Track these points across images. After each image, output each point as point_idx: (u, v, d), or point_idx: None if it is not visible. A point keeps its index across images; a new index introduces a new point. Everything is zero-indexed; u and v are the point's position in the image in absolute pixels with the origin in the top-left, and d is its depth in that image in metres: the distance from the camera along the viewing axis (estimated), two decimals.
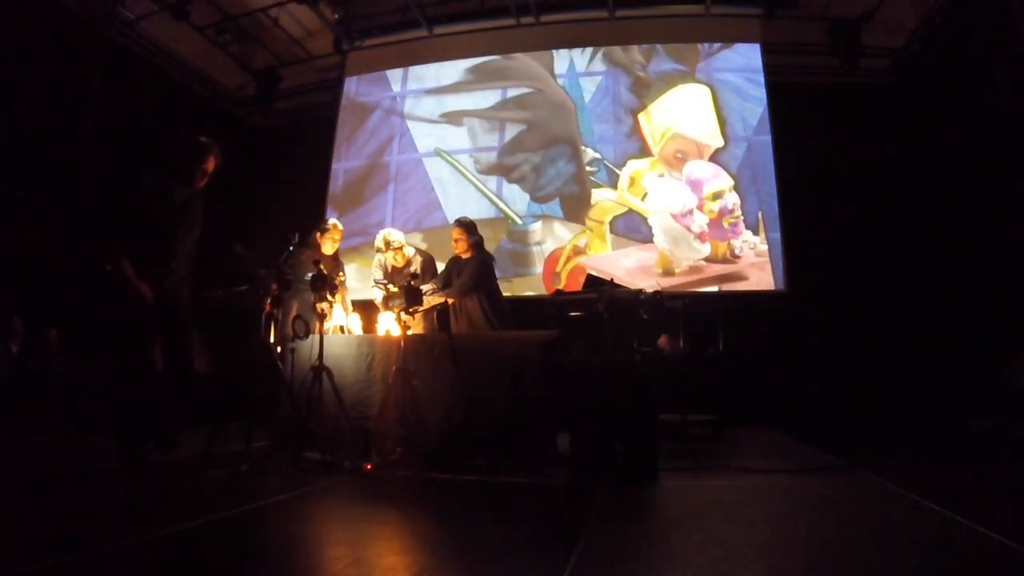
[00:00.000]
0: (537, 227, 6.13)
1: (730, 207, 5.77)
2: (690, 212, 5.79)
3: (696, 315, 4.35)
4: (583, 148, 6.20)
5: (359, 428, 3.27)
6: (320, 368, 3.20)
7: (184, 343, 2.97)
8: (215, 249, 3.10)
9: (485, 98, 6.59)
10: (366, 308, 4.22)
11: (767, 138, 5.89)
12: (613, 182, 6.07)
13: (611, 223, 5.99)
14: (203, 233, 3.06)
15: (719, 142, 5.96)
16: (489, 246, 4.62)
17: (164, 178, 2.94)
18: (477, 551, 1.79)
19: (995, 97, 4.89)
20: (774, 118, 5.91)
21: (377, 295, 3.90)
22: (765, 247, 5.67)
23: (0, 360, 4.74)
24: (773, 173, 5.79)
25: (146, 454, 2.81)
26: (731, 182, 5.82)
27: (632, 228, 5.96)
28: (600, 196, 6.06)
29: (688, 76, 6.21)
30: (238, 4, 6.46)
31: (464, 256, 4.07)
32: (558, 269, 6.01)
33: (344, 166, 6.83)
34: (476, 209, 6.09)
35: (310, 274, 3.35)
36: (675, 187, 5.91)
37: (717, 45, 6.27)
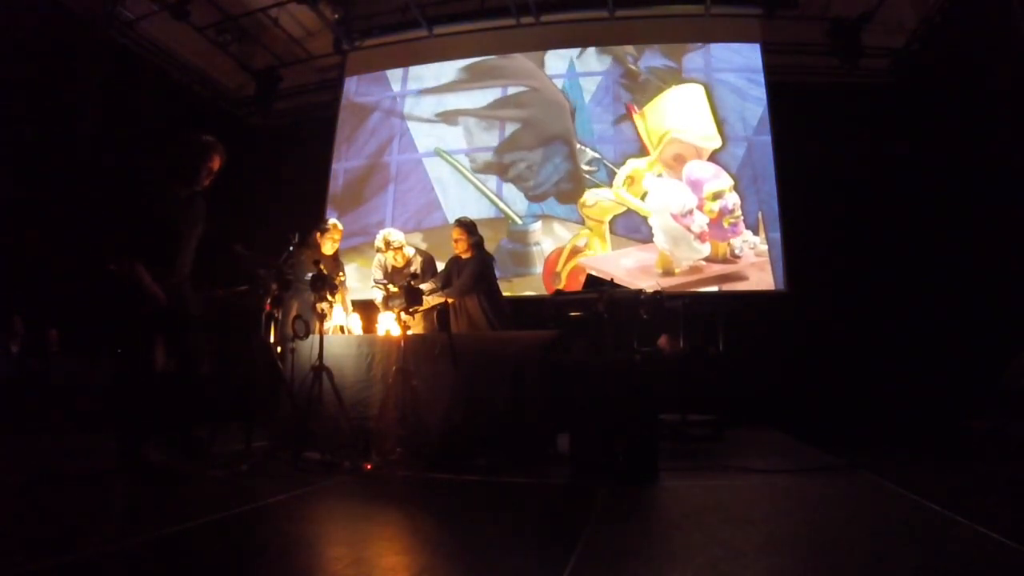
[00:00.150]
0: (537, 227, 6.13)
1: (730, 207, 5.77)
2: (690, 212, 5.79)
3: (696, 315, 4.34)
4: (581, 147, 6.20)
5: (359, 428, 3.27)
6: (320, 368, 3.20)
7: (189, 343, 2.96)
8: (215, 249, 3.10)
9: (483, 96, 6.59)
10: (366, 308, 4.22)
11: (767, 138, 5.88)
12: (612, 182, 6.07)
13: (611, 223, 5.99)
14: (206, 231, 3.06)
15: (717, 143, 5.95)
16: (489, 246, 4.62)
17: (169, 177, 2.93)
18: (477, 551, 1.79)
19: (995, 97, 4.89)
20: (774, 118, 5.91)
21: (377, 295, 3.91)
22: (765, 247, 5.67)
23: (0, 360, 4.74)
24: (773, 173, 5.79)
25: (146, 454, 2.81)
26: (731, 182, 5.82)
27: (632, 228, 5.96)
28: (600, 195, 6.06)
29: (676, 73, 6.20)
30: (238, 4, 6.46)
31: (464, 256, 4.07)
32: (558, 269, 6.01)
33: (344, 166, 6.83)
34: (476, 209, 6.09)
35: (310, 274, 3.35)
36: (675, 187, 5.91)
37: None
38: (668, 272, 5.72)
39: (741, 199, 5.78)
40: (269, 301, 3.19)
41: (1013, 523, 1.90)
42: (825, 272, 5.53)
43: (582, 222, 6.05)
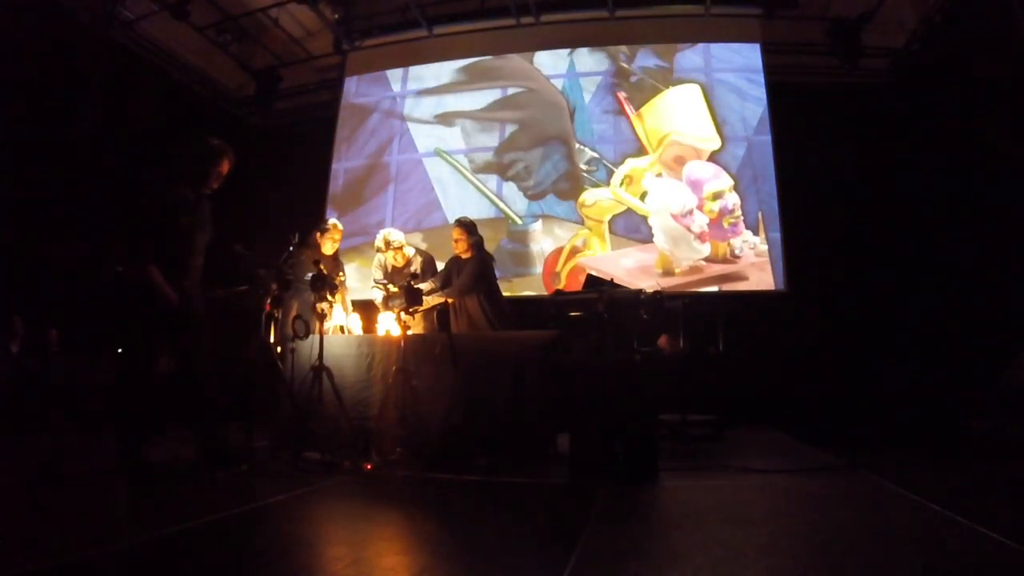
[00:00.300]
0: (537, 227, 6.13)
1: (730, 207, 5.76)
2: (690, 212, 5.79)
3: (696, 315, 4.34)
4: (580, 147, 6.19)
5: (359, 428, 3.27)
6: (320, 368, 3.20)
7: (190, 343, 2.96)
8: (215, 249, 3.09)
9: (483, 97, 6.58)
10: (366, 308, 4.23)
11: (767, 138, 5.88)
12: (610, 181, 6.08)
13: (610, 223, 5.99)
14: (213, 233, 3.06)
15: (716, 144, 5.95)
16: (489, 246, 4.62)
17: (178, 180, 2.93)
18: (477, 551, 1.79)
19: (995, 97, 4.89)
20: (774, 118, 5.91)
21: (377, 295, 3.91)
22: (765, 247, 5.67)
23: (0, 360, 4.74)
24: (773, 173, 5.78)
25: (146, 454, 2.81)
26: (731, 182, 5.82)
27: (632, 228, 5.95)
28: (598, 195, 6.05)
29: (668, 72, 6.20)
30: (238, 4, 6.46)
31: (464, 256, 4.07)
32: (557, 269, 6.01)
33: (344, 166, 6.83)
34: (476, 209, 6.08)
35: (310, 274, 3.35)
36: (675, 187, 5.91)
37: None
38: (668, 272, 5.72)
39: (741, 199, 5.78)
40: (269, 301, 3.20)
41: (1013, 523, 1.90)
42: (825, 272, 5.52)
43: (581, 222, 6.05)
